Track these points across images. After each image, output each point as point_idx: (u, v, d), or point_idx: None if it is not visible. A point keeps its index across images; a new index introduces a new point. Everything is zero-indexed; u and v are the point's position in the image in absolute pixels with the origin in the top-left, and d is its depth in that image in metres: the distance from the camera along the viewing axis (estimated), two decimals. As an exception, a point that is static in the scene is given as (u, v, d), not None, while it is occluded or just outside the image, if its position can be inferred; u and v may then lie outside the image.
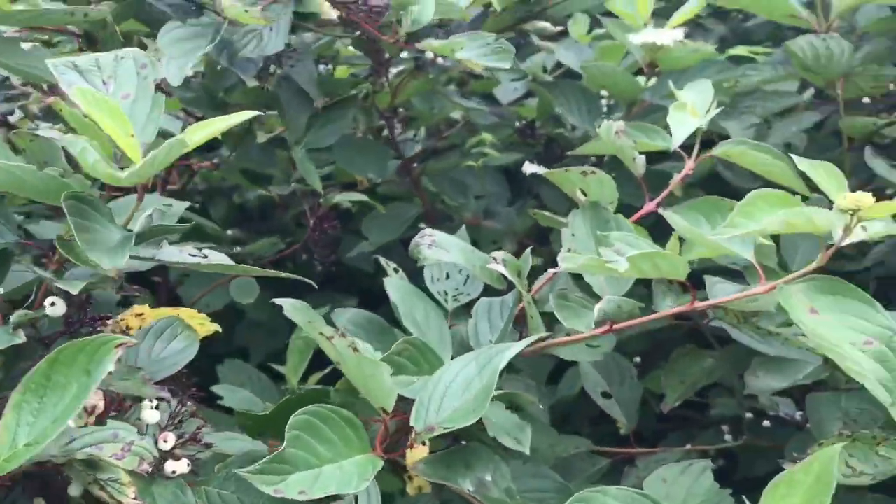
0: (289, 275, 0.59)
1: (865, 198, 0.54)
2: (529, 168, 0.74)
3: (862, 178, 0.91)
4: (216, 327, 0.61)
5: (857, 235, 0.57)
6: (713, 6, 1.05)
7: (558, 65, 1.09)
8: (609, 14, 0.96)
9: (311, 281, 0.61)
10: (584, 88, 0.96)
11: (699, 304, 0.62)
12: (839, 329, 0.54)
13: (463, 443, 0.61)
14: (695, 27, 1.27)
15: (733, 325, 0.73)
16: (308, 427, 0.54)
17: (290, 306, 0.57)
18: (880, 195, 0.56)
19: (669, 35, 0.87)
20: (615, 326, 0.60)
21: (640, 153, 0.75)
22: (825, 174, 0.59)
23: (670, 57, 0.90)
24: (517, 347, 0.55)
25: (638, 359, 0.96)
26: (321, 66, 0.95)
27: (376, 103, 0.96)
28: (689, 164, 0.76)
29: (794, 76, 0.98)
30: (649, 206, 0.71)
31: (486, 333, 0.65)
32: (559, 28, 1.05)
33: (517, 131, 1.08)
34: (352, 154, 0.94)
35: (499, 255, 0.62)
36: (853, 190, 0.58)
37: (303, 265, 1.17)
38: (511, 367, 0.90)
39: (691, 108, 0.75)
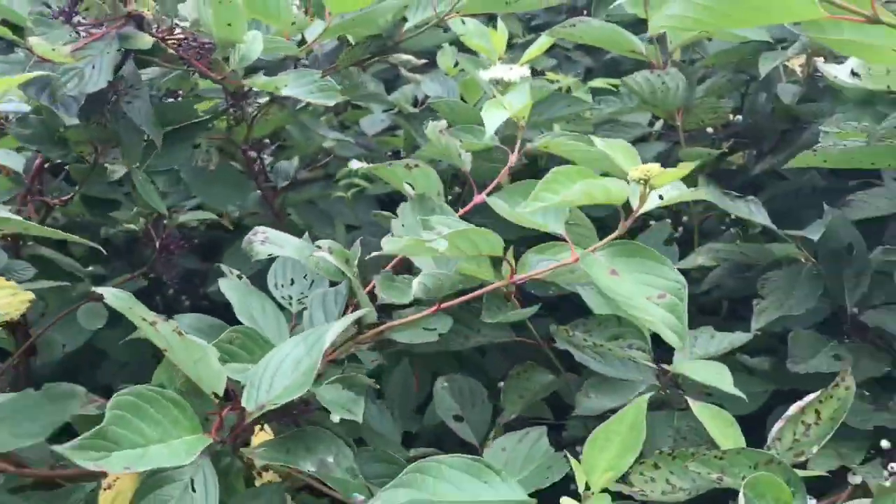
0: (85, 241, 0.60)
1: (654, 168, 0.60)
2: (355, 164, 0.77)
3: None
4: (30, 296, 0.61)
5: (653, 202, 0.62)
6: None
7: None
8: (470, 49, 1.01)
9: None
10: (452, 120, 0.99)
11: (518, 277, 0.65)
12: (636, 286, 0.58)
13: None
14: (564, 59, 1.33)
15: (574, 347, 0.77)
16: (131, 407, 0.54)
17: (112, 294, 0.57)
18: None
19: (516, 72, 0.91)
20: (443, 305, 0.63)
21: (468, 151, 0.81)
22: (621, 152, 0.64)
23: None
24: (342, 323, 0.57)
25: (501, 383, 0.98)
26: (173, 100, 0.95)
27: (233, 136, 0.97)
28: (513, 158, 0.81)
29: (644, 108, 1.04)
30: (478, 198, 0.75)
31: (320, 321, 0.66)
32: (423, 61, 1.10)
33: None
34: (208, 185, 0.93)
35: (324, 243, 0.64)
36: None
37: (169, 299, 1.17)
38: (380, 394, 0.93)
39: (507, 104, 0.80)
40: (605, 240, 0.62)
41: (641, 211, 0.62)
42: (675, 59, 1.06)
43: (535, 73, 1.34)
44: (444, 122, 0.79)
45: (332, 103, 0.79)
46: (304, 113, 1.03)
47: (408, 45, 0.99)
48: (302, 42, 0.89)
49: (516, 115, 0.81)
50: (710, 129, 1.07)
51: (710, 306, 1.06)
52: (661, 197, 0.63)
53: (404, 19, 0.97)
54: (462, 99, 1.03)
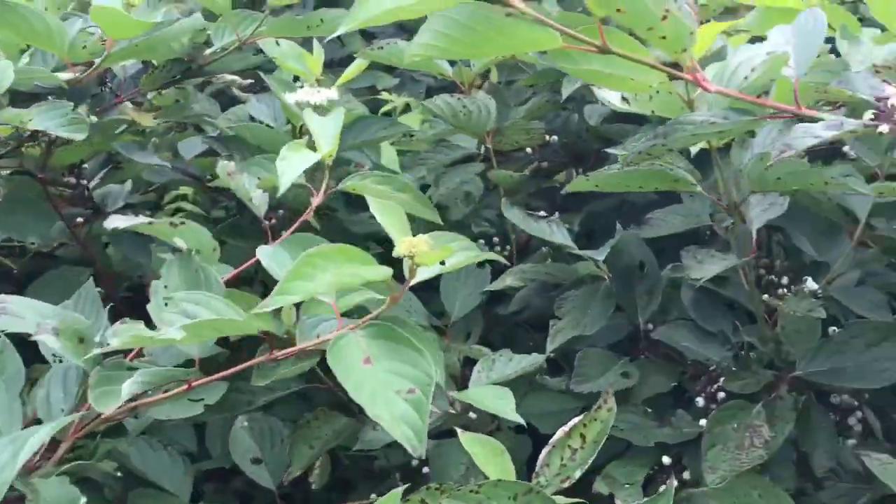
0: None
1: (420, 244, 0.58)
2: (112, 222, 0.73)
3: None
4: None
5: (421, 276, 0.61)
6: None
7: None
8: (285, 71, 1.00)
9: None
10: (249, 144, 0.98)
11: (284, 352, 0.64)
12: (389, 377, 0.55)
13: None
14: (409, 79, 1.33)
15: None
16: None
17: None
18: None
19: (324, 95, 0.90)
20: (214, 376, 0.60)
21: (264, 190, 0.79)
22: (393, 222, 0.63)
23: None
24: (46, 431, 0.53)
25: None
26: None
27: (28, 163, 0.92)
28: (317, 199, 0.80)
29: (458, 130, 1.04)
30: (265, 249, 0.70)
31: (58, 401, 0.62)
32: (249, 81, 1.08)
33: (202, 187, 1.09)
34: (6, 215, 0.89)
35: (51, 322, 0.59)
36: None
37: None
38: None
39: (316, 144, 0.79)
40: (366, 318, 0.60)
41: (414, 282, 0.60)
42: (492, 80, 1.08)
43: (377, 92, 1.35)
44: (232, 164, 0.77)
45: (82, 136, 0.75)
46: (124, 136, 0.99)
47: (215, 67, 0.97)
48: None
49: (324, 156, 0.78)
50: (529, 150, 1.08)
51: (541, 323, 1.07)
52: (443, 263, 0.62)
53: (208, 42, 0.96)
54: (289, 121, 1.01)
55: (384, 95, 1.29)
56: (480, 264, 0.98)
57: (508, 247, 1.08)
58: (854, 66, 0.58)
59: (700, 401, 0.76)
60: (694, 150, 0.79)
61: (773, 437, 0.70)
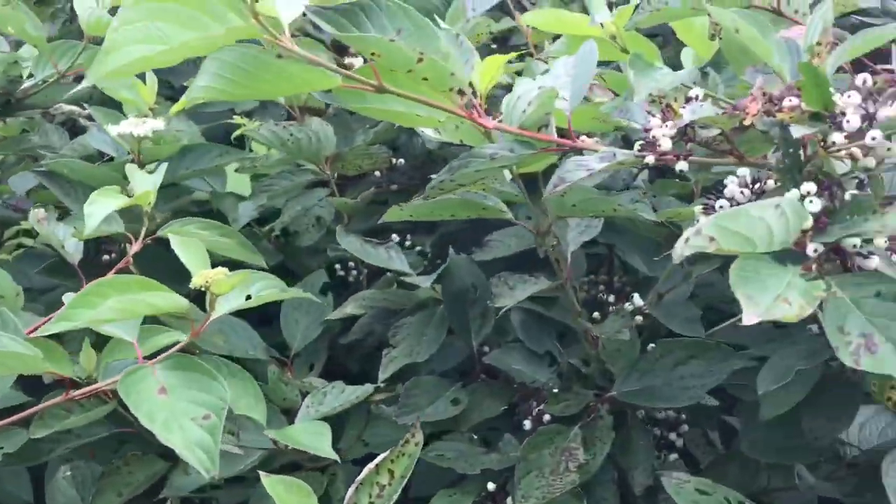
0: None
1: (217, 275, 0.58)
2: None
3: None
4: None
5: (221, 310, 0.60)
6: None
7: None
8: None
9: None
10: (78, 182, 0.95)
11: (81, 391, 0.63)
12: (185, 405, 0.55)
13: None
14: (271, 101, 1.31)
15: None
16: None
17: None
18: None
19: (149, 126, 0.88)
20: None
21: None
22: (193, 254, 0.62)
23: (152, 147, 0.91)
24: None
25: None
26: None
27: None
28: (136, 246, 0.78)
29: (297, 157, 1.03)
30: (70, 294, 0.69)
31: None
32: (87, 111, 1.05)
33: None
34: None
35: None
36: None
37: None
38: None
39: (133, 189, 0.77)
40: (163, 355, 0.59)
41: (216, 316, 0.60)
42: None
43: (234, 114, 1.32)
44: (42, 211, 0.75)
45: None
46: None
47: (36, 100, 0.94)
48: None
49: (138, 200, 0.76)
50: (378, 173, 1.08)
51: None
52: (248, 297, 0.62)
53: (30, 75, 0.93)
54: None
55: (237, 119, 1.27)
56: (323, 289, 0.97)
57: (366, 271, 1.07)
58: (638, 95, 0.59)
59: (528, 423, 0.77)
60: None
61: (592, 459, 0.71)
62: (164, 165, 0.82)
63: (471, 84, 0.58)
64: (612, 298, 0.85)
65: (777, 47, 0.58)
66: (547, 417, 0.76)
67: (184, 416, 0.55)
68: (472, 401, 0.80)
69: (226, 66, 0.55)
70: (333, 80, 0.56)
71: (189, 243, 0.62)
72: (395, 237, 1.05)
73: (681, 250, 0.41)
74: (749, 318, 0.39)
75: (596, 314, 0.84)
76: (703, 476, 0.70)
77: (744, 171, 0.57)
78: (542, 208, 0.72)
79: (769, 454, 0.68)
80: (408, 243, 1.06)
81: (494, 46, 1.15)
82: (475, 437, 0.78)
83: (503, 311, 0.84)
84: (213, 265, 0.69)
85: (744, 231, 0.42)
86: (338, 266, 1.06)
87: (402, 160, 1.09)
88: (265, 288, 0.62)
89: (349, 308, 0.91)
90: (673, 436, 0.77)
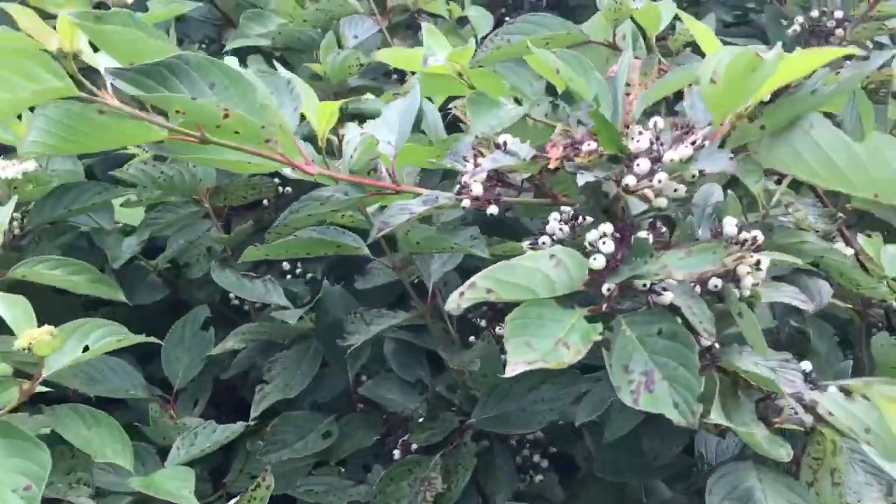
0: None
1: (43, 334, 0.58)
2: None
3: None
4: None
5: (53, 367, 0.61)
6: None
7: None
8: None
9: None
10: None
11: None
12: (7, 475, 0.55)
13: None
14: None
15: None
16: None
17: None
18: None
19: (17, 168, 0.87)
20: None
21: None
22: (18, 312, 0.62)
23: (30, 189, 0.90)
24: None
25: None
26: None
27: None
28: None
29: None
30: None
31: None
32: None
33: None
34: None
35: None
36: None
37: None
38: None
39: None
40: None
41: (49, 373, 0.60)
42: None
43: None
44: None
45: None
46: None
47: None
48: None
49: None
50: (266, 202, 1.09)
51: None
52: (86, 349, 0.62)
53: None
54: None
55: (131, 149, 1.26)
56: (205, 326, 0.97)
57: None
58: (471, 135, 0.60)
59: (397, 453, 0.78)
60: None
61: (454, 486, 0.72)
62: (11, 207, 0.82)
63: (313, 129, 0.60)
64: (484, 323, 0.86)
65: (597, 86, 0.60)
66: (414, 446, 0.77)
67: (5, 488, 0.54)
68: (345, 432, 0.81)
69: (51, 123, 0.56)
70: (158, 133, 0.57)
71: (14, 301, 0.62)
72: (285, 265, 1.06)
73: (456, 303, 0.42)
74: (514, 367, 0.41)
75: (472, 338, 0.85)
76: (568, 495, 0.72)
77: (566, 209, 0.58)
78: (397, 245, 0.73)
79: (619, 474, 0.70)
80: (298, 271, 1.07)
81: (395, 77, 1.17)
82: (343, 469, 0.78)
83: (381, 341, 0.85)
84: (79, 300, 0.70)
85: (522, 282, 0.44)
86: (231, 296, 1.06)
87: (289, 188, 1.10)
88: (105, 335, 0.63)
89: (230, 343, 0.92)
90: (537, 457, 0.79)
